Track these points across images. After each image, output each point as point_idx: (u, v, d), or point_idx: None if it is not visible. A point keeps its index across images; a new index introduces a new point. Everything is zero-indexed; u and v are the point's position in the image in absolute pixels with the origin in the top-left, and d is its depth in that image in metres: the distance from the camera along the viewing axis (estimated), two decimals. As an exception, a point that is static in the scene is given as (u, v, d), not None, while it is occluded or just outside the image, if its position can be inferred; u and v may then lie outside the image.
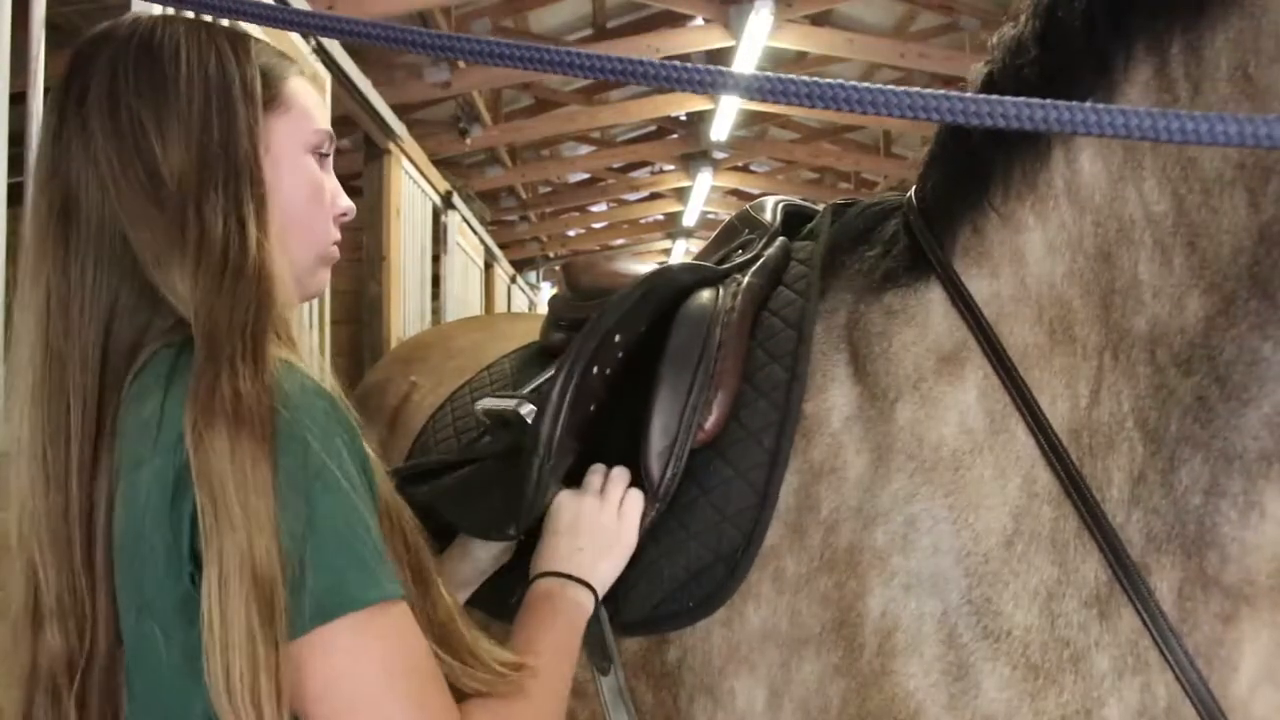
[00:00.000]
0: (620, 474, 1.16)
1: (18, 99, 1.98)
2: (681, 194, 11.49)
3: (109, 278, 0.87)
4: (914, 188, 1.22)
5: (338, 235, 1.02)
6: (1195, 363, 0.96)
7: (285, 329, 0.87)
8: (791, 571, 1.08)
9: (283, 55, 0.98)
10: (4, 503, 0.90)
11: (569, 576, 1.07)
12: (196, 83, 0.88)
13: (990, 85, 1.10)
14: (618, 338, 1.20)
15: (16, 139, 1.98)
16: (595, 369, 1.18)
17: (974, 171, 1.10)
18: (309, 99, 0.98)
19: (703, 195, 10.91)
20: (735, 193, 11.80)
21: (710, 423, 1.13)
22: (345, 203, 1.02)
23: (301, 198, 0.96)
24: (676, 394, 1.13)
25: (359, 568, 0.79)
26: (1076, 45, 1.00)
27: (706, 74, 0.71)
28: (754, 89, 0.70)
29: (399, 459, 1.60)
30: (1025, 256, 1.06)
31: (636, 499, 1.14)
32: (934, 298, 1.12)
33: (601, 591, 1.09)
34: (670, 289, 1.26)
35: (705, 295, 1.22)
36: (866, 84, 0.70)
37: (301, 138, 0.96)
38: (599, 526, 1.12)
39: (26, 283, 0.88)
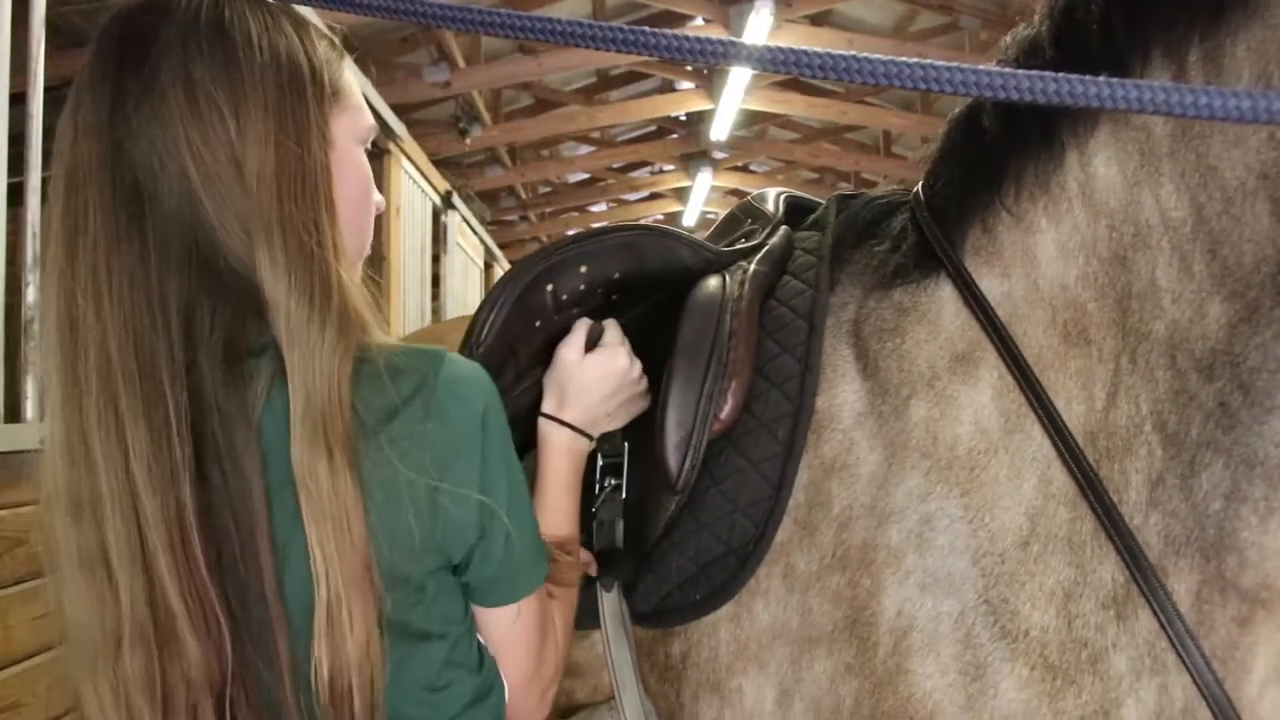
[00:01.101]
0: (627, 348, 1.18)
1: (18, 99, 1.98)
2: (681, 194, 11.49)
3: (188, 265, 0.83)
4: (921, 183, 1.22)
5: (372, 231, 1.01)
6: (1218, 369, 0.96)
7: (379, 316, 0.89)
8: (802, 568, 1.08)
9: (333, 42, 0.95)
10: (14, 496, 0.86)
11: (570, 426, 1.13)
12: (271, 73, 0.85)
13: None
14: (583, 269, 1.17)
15: (16, 139, 1.98)
16: (550, 286, 1.16)
17: (986, 170, 1.10)
18: (358, 92, 0.97)
19: (703, 195, 10.91)
20: (735, 193, 11.79)
21: (725, 413, 1.12)
22: (379, 197, 1.00)
23: (358, 195, 0.94)
24: (691, 384, 1.12)
25: (539, 550, 0.96)
26: (1092, 49, 0.99)
27: (719, 45, 0.70)
28: (765, 60, 0.68)
29: None
30: (1037, 257, 1.06)
31: (637, 365, 1.17)
32: (945, 295, 1.11)
33: (596, 432, 1.16)
34: (663, 260, 1.23)
35: (713, 282, 1.20)
36: (879, 55, 0.68)
37: (356, 132, 0.94)
38: (610, 383, 1.15)
39: (98, 269, 0.82)
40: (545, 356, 1.17)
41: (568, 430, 1.12)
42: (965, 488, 1.04)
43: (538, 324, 1.16)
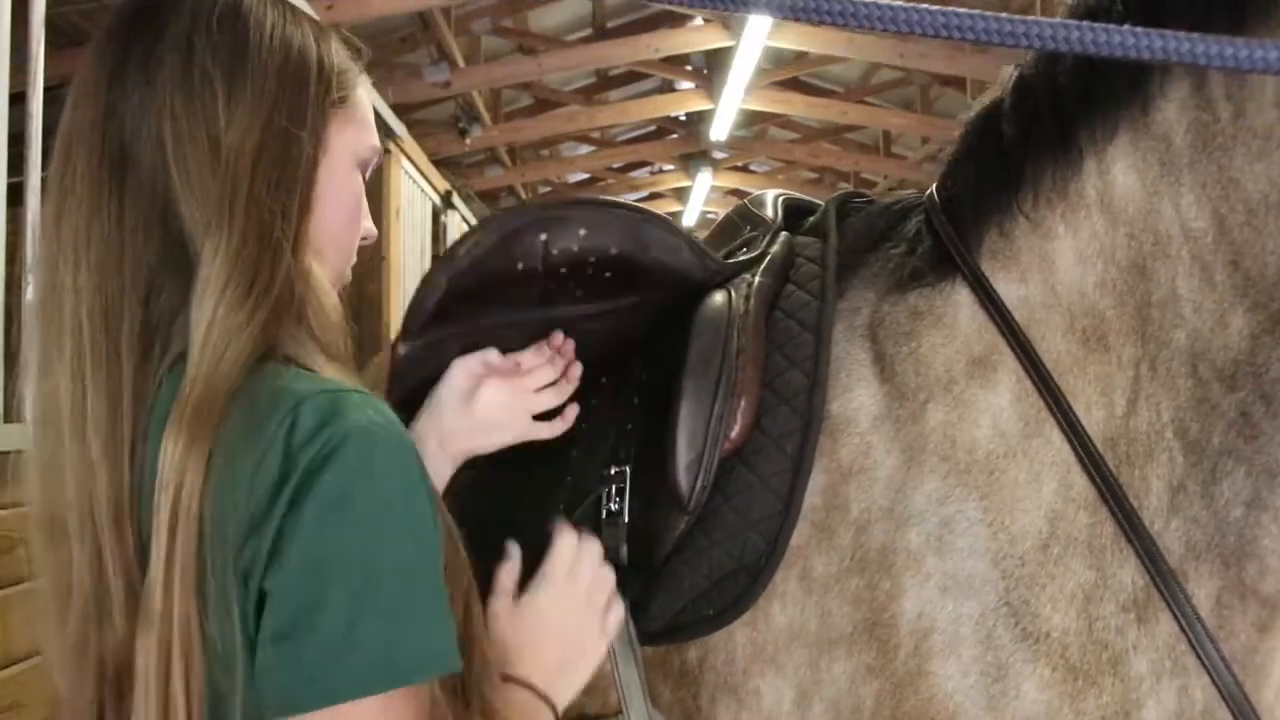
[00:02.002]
0: (592, 547, 1.04)
1: (18, 99, 1.98)
2: (681, 194, 11.49)
3: (156, 238, 0.81)
4: (936, 185, 1.21)
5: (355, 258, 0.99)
6: (1240, 379, 0.96)
7: (335, 346, 0.83)
8: (820, 571, 1.08)
9: (354, 58, 0.94)
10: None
11: (531, 688, 0.95)
12: (276, 59, 0.84)
13: (1023, 90, 1.09)
14: (582, 232, 1.14)
15: (16, 139, 1.99)
16: (543, 235, 1.12)
17: (1003, 174, 1.09)
18: (369, 112, 0.95)
19: (702, 195, 10.91)
20: (735, 193, 11.78)
21: (736, 432, 1.11)
22: (370, 226, 0.98)
23: (344, 212, 0.91)
24: (701, 404, 1.11)
25: (421, 631, 0.73)
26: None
27: None
28: (785, 7, 0.66)
29: None
30: (1055, 263, 1.06)
31: (606, 583, 1.04)
32: (961, 299, 1.11)
33: (562, 705, 0.97)
34: (666, 259, 1.20)
35: (718, 298, 1.18)
36: (900, 3, 0.67)
37: (358, 150, 0.92)
38: (568, 626, 0.99)
39: (76, 232, 0.81)
40: (530, 305, 1.16)
41: (521, 690, 0.94)
42: (984, 491, 1.04)
43: (520, 266, 1.13)
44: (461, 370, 1.14)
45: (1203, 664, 0.97)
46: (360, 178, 0.94)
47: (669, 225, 1.21)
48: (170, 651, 0.73)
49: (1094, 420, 1.03)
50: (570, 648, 0.99)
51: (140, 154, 0.81)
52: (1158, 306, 1.00)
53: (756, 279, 1.21)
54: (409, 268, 4.45)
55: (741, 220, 1.42)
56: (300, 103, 0.85)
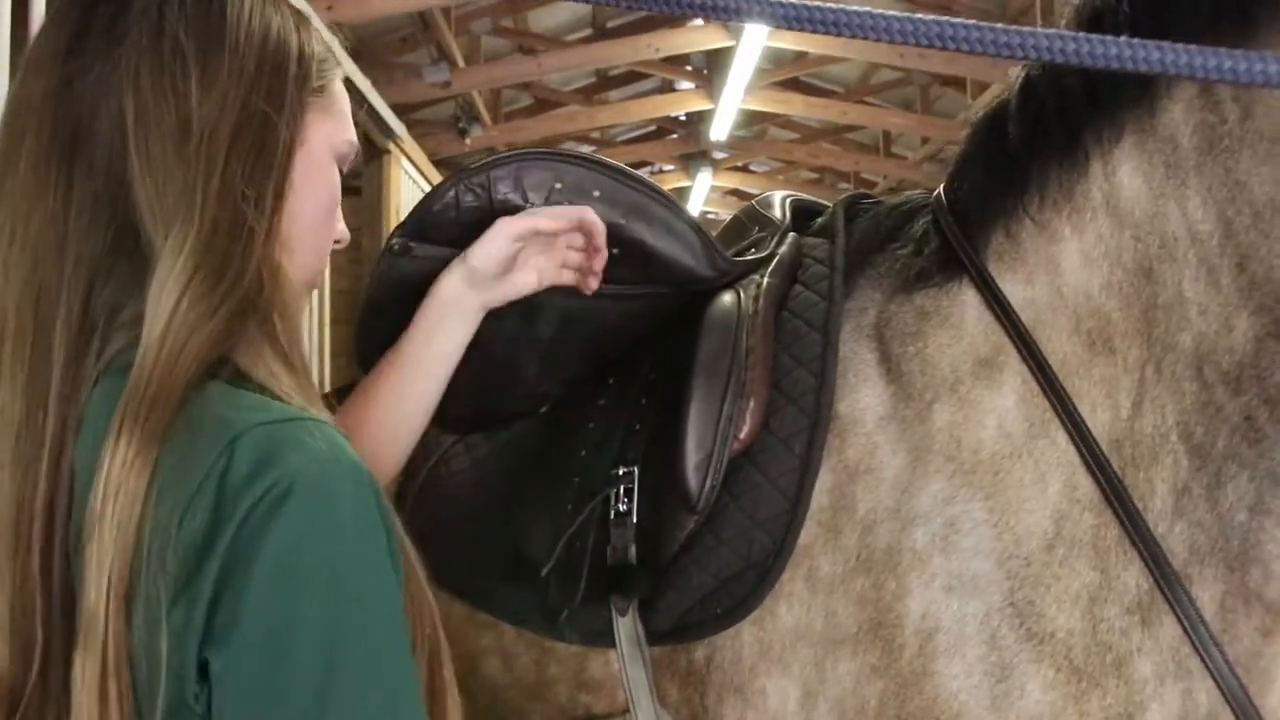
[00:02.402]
0: None
1: (17, 99, 1.98)
2: (681, 194, 11.47)
3: (104, 225, 0.75)
4: (943, 186, 1.21)
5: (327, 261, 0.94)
6: (1244, 382, 0.96)
7: (296, 355, 0.76)
8: (826, 571, 1.08)
9: (330, 49, 0.90)
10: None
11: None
12: (255, 40, 0.79)
13: (1029, 91, 1.09)
14: (596, 193, 1.13)
15: (16, 139, 1.98)
16: (557, 183, 1.12)
17: (1009, 176, 1.10)
18: (347, 105, 0.91)
19: (702, 195, 10.90)
20: (735, 193, 11.78)
21: (745, 433, 1.12)
22: (344, 229, 0.93)
23: (320, 207, 0.86)
24: (710, 405, 1.11)
25: (389, 709, 0.65)
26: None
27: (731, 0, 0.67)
28: (779, 15, 0.67)
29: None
30: (1061, 265, 1.06)
31: None
32: (968, 300, 1.11)
33: None
34: (673, 254, 1.19)
35: (727, 298, 1.19)
36: (894, 12, 0.67)
37: (335, 143, 0.88)
38: None
39: (14, 212, 0.75)
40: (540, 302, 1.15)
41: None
42: (990, 491, 1.04)
43: (530, 204, 1.11)
44: (504, 229, 1.09)
45: (1206, 667, 0.97)
46: (337, 173, 0.90)
47: (685, 217, 1.20)
48: (107, 673, 0.65)
49: (1099, 422, 1.03)
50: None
51: (96, 131, 0.75)
52: (1163, 309, 1.00)
53: (765, 280, 1.21)
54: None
55: (750, 221, 1.42)
56: (278, 86, 0.80)
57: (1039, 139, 1.07)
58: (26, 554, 0.71)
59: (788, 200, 1.43)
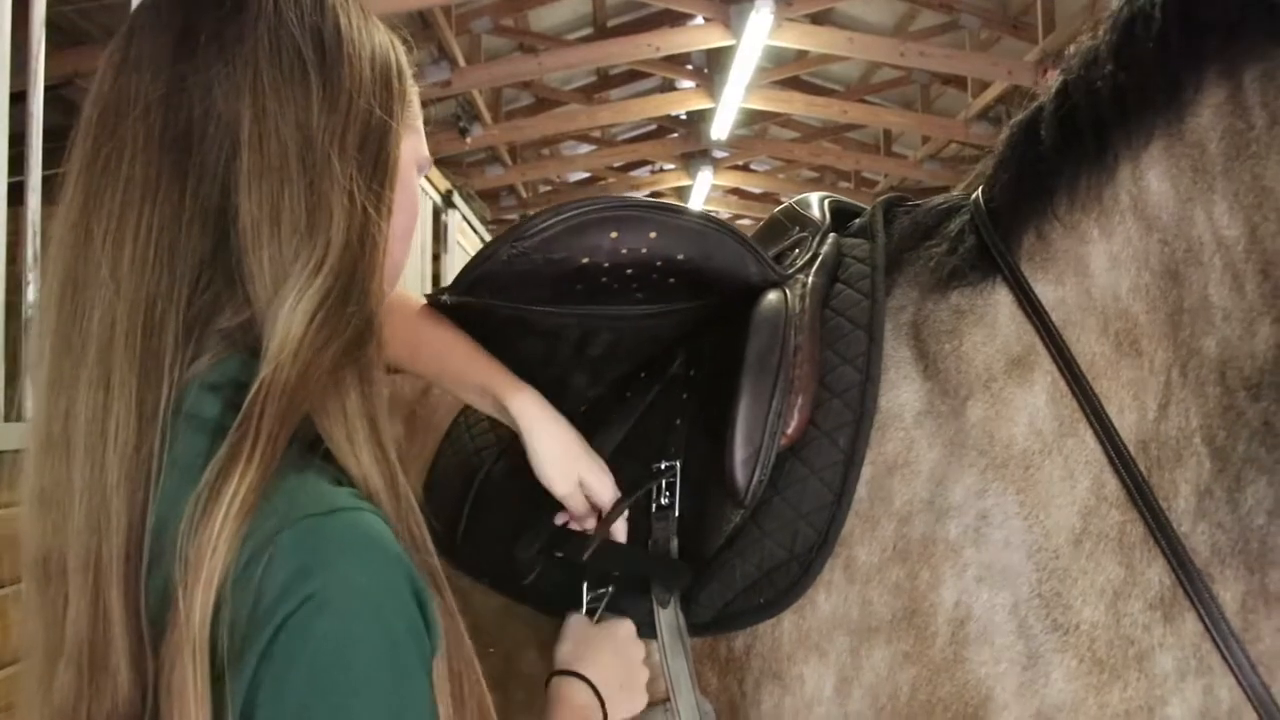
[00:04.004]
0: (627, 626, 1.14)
1: (18, 98, 1.98)
2: (682, 193, 11.48)
3: (213, 230, 0.72)
4: (980, 187, 1.24)
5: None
6: (1264, 389, 0.98)
7: (379, 371, 0.75)
8: (863, 561, 1.10)
9: (410, 60, 0.88)
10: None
11: (593, 687, 1.04)
12: (366, 52, 0.79)
13: (1064, 95, 1.11)
14: (653, 234, 1.14)
15: (16, 139, 1.98)
16: (614, 232, 1.13)
17: (1040, 178, 1.12)
18: (422, 119, 0.90)
19: (703, 194, 10.90)
20: (736, 191, 11.79)
21: (793, 428, 1.14)
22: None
23: (409, 221, 0.84)
24: (759, 401, 1.13)
25: None
26: (1149, 64, 1.01)
27: None
28: None
29: (421, 457, 1.55)
30: (1090, 267, 1.08)
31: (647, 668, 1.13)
32: (1001, 299, 1.14)
33: None
34: (729, 268, 1.21)
35: (774, 297, 1.21)
36: None
37: (417, 154, 0.87)
38: (630, 659, 1.10)
39: (120, 220, 0.71)
40: (588, 298, 1.16)
41: (583, 685, 1.04)
42: (1020, 485, 1.06)
43: (586, 260, 1.13)
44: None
45: (1228, 664, 0.99)
46: (417, 183, 0.88)
47: (736, 235, 1.22)
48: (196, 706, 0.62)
49: (1126, 423, 1.05)
50: (627, 676, 1.08)
51: (208, 135, 0.72)
52: (1189, 313, 1.02)
53: (810, 279, 1.23)
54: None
55: (789, 222, 1.44)
56: (388, 98, 0.80)
57: (1070, 142, 1.09)
58: (136, 580, 0.68)
59: (826, 201, 1.45)
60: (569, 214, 1.11)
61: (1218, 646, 0.99)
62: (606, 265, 1.14)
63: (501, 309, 1.16)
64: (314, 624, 0.62)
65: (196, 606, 0.62)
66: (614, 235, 1.13)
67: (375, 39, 0.81)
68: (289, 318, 0.69)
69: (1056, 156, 1.10)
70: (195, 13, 0.75)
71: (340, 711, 0.63)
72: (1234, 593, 1.01)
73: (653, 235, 1.14)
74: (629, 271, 1.15)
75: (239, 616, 0.63)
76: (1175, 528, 1.01)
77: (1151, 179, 1.03)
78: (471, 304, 1.16)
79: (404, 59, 0.85)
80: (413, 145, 0.85)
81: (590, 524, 1.18)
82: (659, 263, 1.16)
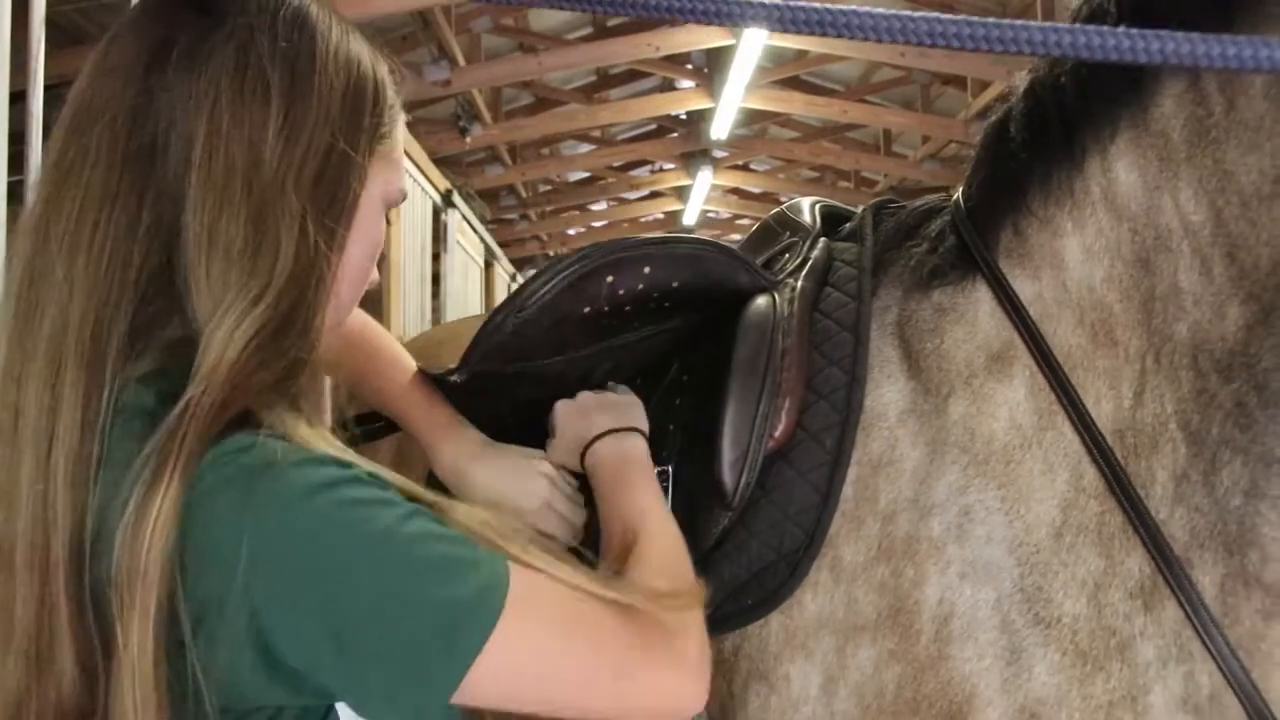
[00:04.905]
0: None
1: (18, 98, 1.98)
2: (681, 192, 11.49)
3: (164, 245, 0.73)
4: (960, 187, 1.26)
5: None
6: (1235, 370, 0.99)
7: (315, 412, 0.76)
8: (849, 560, 1.11)
9: (398, 94, 0.88)
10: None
11: (619, 429, 1.10)
12: (340, 79, 0.77)
13: (1031, 93, 1.12)
14: (647, 270, 1.17)
15: (16, 138, 1.99)
16: (610, 278, 1.15)
17: (1014, 175, 1.13)
18: (402, 153, 0.89)
19: (703, 194, 10.90)
20: (735, 191, 11.79)
21: (780, 431, 1.15)
22: (375, 273, 0.91)
23: (365, 255, 0.84)
24: (746, 404, 1.14)
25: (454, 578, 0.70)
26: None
27: (721, 4, 0.66)
28: (775, 19, 0.66)
29: (416, 461, 1.57)
30: (1064, 260, 1.10)
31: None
32: (981, 296, 1.15)
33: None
34: (722, 280, 1.24)
35: (763, 301, 1.22)
36: (886, 10, 0.66)
37: (388, 189, 0.86)
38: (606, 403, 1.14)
39: (78, 220, 0.72)
40: (591, 341, 1.18)
41: (607, 437, 1.10)
42: (1001, 481, 1.07)
43: (587, 309, 1.15)
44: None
45: (1208, 649, 0.99)
46: (383, 216, 0.88)
47: (727, 251, 1.24)
48: (148, 701, 0.66)
49: (1103, 413, 1.06)
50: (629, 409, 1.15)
51: (170, 150, 0.73)
52: (1161, 300, 1.03)
53: (799, 283, 1.25)
54: (409, 267, 4.45)
55: (780, 226, 1.45)
56: (356, 130, 0.79)
57: (1040, 139, 1.10)
58: (79, 579, 0.70)
59: (817, 206, 1.47)
60: (564, 272, 1.12)
61: (1198, 633, 1.00)
62: (607, 309, 1.16)
63: (515, 377, 1.18)
64: (270, 542, 0.66)
65: (134, 633, 0.65)
66: (610, 280, 1.14)
67: (356, 70, 0.80)
68: (224, 342, 0.70)
69: (1028, 153, 1.11)
70: (174, 25, 0.75)
71: (348, 573, 0.68)
72: (1213, 576, 1.02)
73: (648, 271, 1.16)
74: (628, 309, 1.18)
75: (194, 585, 0.66)
76: (1153, 515, 1.02)
77: (1120, 170, 1.04)
78: (485, 375, 1.17)
79: (387, 91, 0.84)
80: (383, 179, 0.84)
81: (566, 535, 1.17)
82: (656, 294, 1.18)
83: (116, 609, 0.66)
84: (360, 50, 0.82)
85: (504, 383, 1.19)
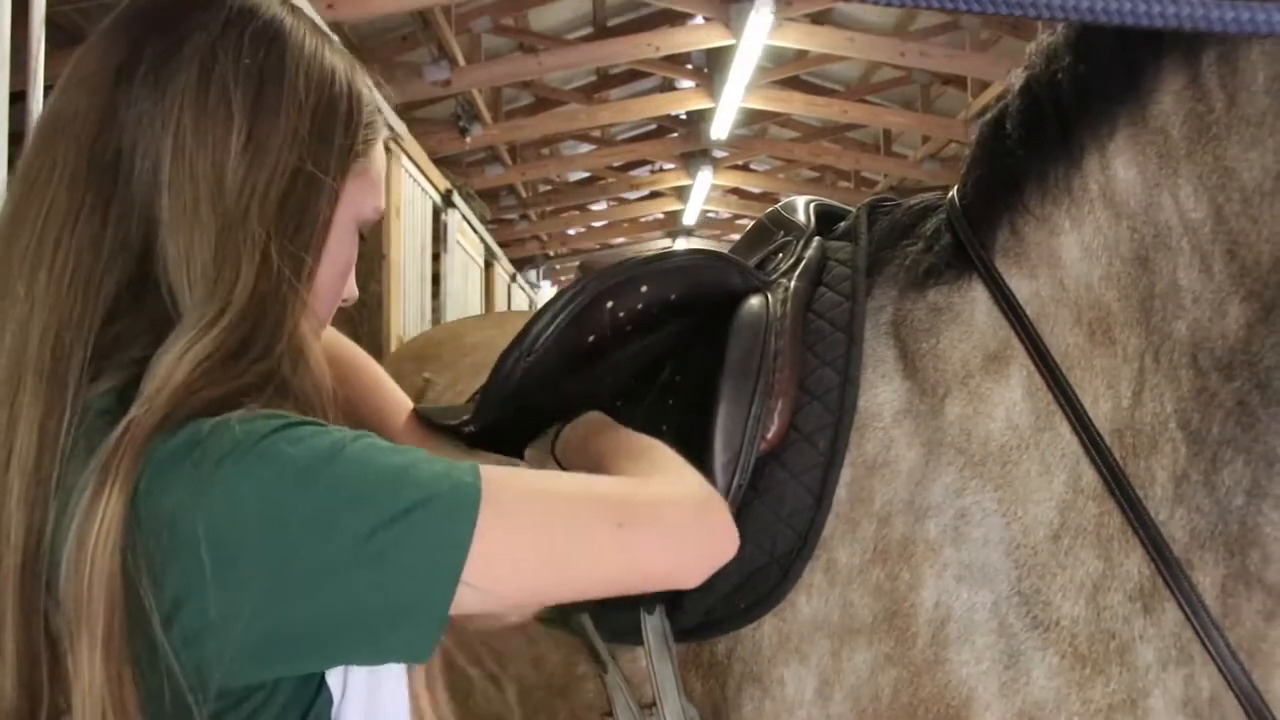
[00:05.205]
0: None
1: (18, 98, 1.98)
2: (681, 192, 11.48)
3: (134, 261, 0.72)
4: (956, 186, 1.25)
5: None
6: (1236, 368, 0.98)
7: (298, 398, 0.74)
8: (844, 563, 1.10)
9: (378, 109, 0.85)
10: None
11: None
12: (308, 104, 0.75)
13: (1027, 91, 1.11)
14: (644, 288, 1.17)
15: (16, 138, 1.98)
16: (610, 303, 1.15)
17: (1011, 173, 1.12)
18: (383, 168, 0.87)
19: (703, 194, 10.90)
20: (735, 191, 11.78)
21: (772, 433, 1.14)
22: (354, 287, 0.89)
23: (337, 273, 0.83)
24: (739, 405, 1.14)
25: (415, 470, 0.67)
26: (1108, 53, 1.02)
27: None
28: None
29: None
30: (1062, 258, 1.09)
31: None
32: (977, 296, 1.14)
33: None
34: (716, 285, 1.24)
35: (755, 302, 1.22)
36: None
37: (362, 208, 0.83)
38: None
39: (45, 239, 0.71)
40: (594, 364, 1.18)
41: (568, 424, 1.09)
42: (998, 482, 1.06)
43: (592, 339, 1.16)
44: None
45: (1208, 652, 0.98)
46: (357, 235, 0.85)
47: (721, 258, 1.25)
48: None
49: (1101, 413, 1.05)
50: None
51: (135, 166, 0.72)
52: (1160, 298, 1.02)
53: (793, 284, 1.24)
54: (409, 267, 4.44)
55: (774, 226, 1.44)
56: (326, 151, 0.77)
57: (1037, 136, 1.09)
58: (29, 600, 0.68)
59: (811, 205, 1.45)
60: (565, 308, 1.12)
61: (1198, 635, 0.99)
62: (610, 334, 1.17)
63: (532, 410, 1.17)
64: (222, 512, 0.64)
65: (84, 659, 0.63)
66: (611, 305, 1.15)
67: (328, 87, 0.78)
68: (171, 365, 0.68)
69: (1025, 151, 1.10)
70: (144, 38, 0.74)
71: (305, 508, 0.65)
72: (1214, 577, 1.01)
73: (645, 290, 1.17)
74: (629, 328, 1.18)
75: (163, 581, 0.64)
76: (1153, 516, 1.01)
77: (1118, 167, 1.03)
78: (501, 418, 1.18)
79: (363, 108, 0.81)
80: (357, 198, 0.82)
81: None
82: (655, 309, 1.19)
83: (67, 637, 0.65)
84: (335, 65, 0.79)
85: (515, 424, 1.19)
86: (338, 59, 0.80)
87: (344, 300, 0.88)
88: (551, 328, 1.12)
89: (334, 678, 0.74)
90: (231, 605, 0.64)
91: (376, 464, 0.68)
